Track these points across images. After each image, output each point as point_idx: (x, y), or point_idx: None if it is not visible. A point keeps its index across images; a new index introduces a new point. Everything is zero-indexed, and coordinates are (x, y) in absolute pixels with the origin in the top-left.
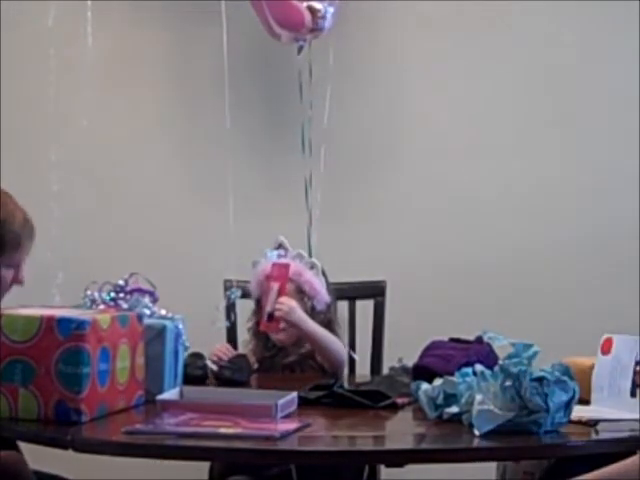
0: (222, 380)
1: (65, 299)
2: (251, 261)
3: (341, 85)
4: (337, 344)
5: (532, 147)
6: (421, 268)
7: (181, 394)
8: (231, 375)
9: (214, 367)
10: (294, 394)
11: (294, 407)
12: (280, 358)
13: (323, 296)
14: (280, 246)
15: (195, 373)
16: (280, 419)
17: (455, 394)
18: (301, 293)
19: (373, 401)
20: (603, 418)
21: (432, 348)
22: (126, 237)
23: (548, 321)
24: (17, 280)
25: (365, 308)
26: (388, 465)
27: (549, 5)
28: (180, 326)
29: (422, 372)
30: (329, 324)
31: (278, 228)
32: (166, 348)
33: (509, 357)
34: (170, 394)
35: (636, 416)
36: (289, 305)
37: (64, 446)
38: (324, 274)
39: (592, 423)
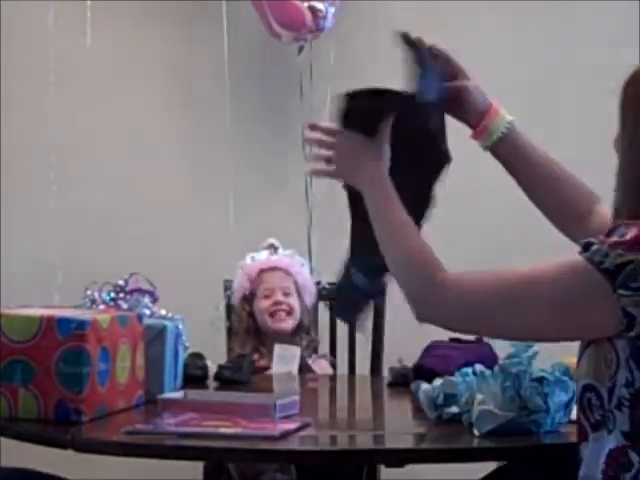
0: (222, 380)
1: (65, 299)
2: (238, 263)
3: (341, 85)
4: None
5: None
6: None
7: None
8: (231, 375)
9: (214, 367)
10: (295, 397)
11: (296, 410)
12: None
13: (314, 292)
14: (270, 246)
15: (195, 373)
16: (280, 419)
17: (455, 394)
18: (299, 290)
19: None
20: None
21: (432, 348)
22: (126, 237)
23: None
24: None
25: None
26: (388, 465)
27: (550, 5)
28: (180, 326)
29: (422, 372)
30: (310, 326)
31: (278, 228)
32: (166, 348)
33: (509, 357)
34: (171, 394)
35: None
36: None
37: (64, 446)
38: None
39: None
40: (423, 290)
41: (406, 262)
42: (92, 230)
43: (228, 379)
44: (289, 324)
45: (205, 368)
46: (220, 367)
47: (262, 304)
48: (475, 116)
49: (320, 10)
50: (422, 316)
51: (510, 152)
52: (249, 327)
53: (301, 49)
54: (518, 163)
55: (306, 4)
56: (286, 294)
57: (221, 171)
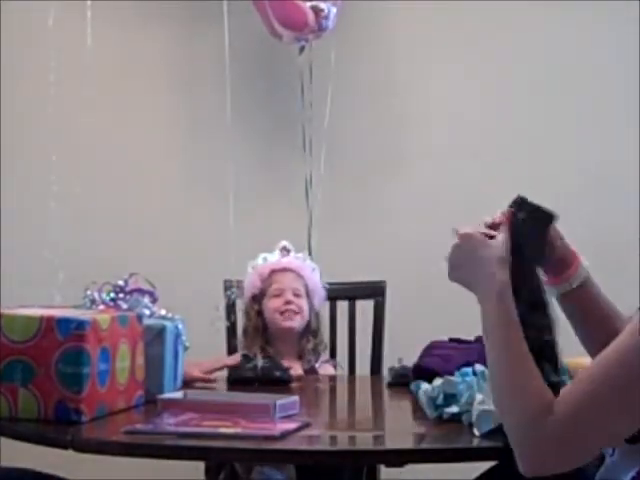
0: (271, 380)
1: (65, 299)
2: (250, 263)
3: (342, 85)
4: None
5: (533, 149)
6: (421, 268)
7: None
8: (282, 375)
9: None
10: (295, 397)
11: (296, 410)
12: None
13: (323, 297)
14: (283, 248)
15: (247, 375)
16: (280, 419)
17: (455, 394)
18: (309, 293)
19: None
20: None
21: (432, 348)
22: (126, 237)
23: None
24: None
25: (365, 308)
26: (388, 465)
27: (550, 5)
28: (180, 326)
29: (422, 372)
30: (318, 329)
31: (278, 228)
32: (166, 348)
33: None
34: (170, 394)
35: None
36: None
37: (64, 446)
38: None
39: None
40: (535, 443)
41: (516, 407)
42: (92, 230)
43: (277, 378)
44: (297, 323)
45: (255, 369)
46: (266, 368)
47: (272, 303)
48: (560, 264)
49: (323, 10)
50: (538, 472)
51: (583, 298)
52: (257, 326)
53: (302, 49)
54: (587, 310)
55: (309, 4)
56: (296, 295)
57: (221, 171)
